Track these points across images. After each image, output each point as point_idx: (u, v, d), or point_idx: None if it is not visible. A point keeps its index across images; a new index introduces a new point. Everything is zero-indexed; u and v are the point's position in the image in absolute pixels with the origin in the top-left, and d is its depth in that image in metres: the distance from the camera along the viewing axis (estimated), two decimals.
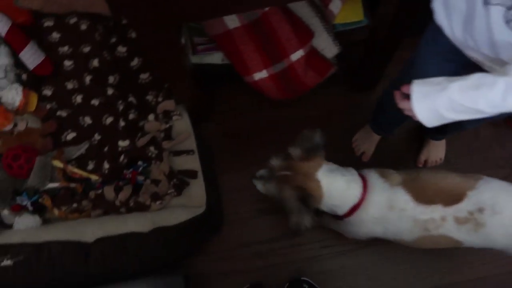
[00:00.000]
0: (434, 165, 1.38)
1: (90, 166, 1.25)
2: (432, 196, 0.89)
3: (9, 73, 1.32)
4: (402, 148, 1.42)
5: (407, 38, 1.14)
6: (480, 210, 0.85)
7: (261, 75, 1.22)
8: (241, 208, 1.38)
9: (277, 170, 0.94)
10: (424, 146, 1.37)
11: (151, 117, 1.26)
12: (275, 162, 0.95)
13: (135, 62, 1.36)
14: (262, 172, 1.01)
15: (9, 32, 1.32)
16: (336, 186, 0.91)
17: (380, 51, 1.22)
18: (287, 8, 1.22)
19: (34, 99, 1.31)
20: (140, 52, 1.36)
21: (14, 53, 1.33)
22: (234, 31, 1.19)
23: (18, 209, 1.15)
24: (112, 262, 1.08)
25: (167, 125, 1.25)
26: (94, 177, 1.22)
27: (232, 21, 1.18)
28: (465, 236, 0.89)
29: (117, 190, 1.17)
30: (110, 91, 1.31)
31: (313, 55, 1.24)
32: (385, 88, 1.09)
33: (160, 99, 1.28)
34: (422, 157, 1.39)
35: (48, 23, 1.42)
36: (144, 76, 1.34)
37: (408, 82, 0.74)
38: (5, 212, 1.13)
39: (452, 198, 0.87)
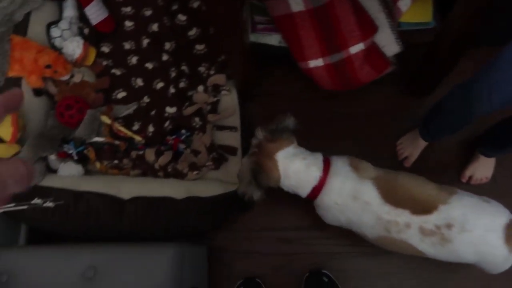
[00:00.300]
0: (479, 183, 1.33)
1: (136, 126, 1.28)
2: (402, 200, 0.88)
3: (73, 25, 1.36)
4: (448, 159, 1.37)
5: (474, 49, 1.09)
6: (449, 226, 0.84)
7: (316, 63, 1.21)
8: (274, 191, 1.38)
9: (251, 148, 1.00)
10: (472, 161, 1.32)
11: (200, 88, 1.27)
12: (253, 142, 1.00)
13: (193, 32, 1.37)
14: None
15: None
16: (293, 168, 0.94)
17: (444, 58, 1.17)
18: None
19: (92, 54, 1.35)
20: (199, 23, 1.37)
21: (80, 7, 1.37)
22: (297, 15, 1.18)
23: (64, 156, 1.20)
24: (143, 221, 1.11)
25: (215, 99, 1.26)
26: (137, 138, 1.25)
27: (296, 4, 1.17)
28: (429, 248, 0.87)
29: (158, 154, 1.19)
30: (165, 57, 1.33)
31: (373, 51, 1.21)
32: (450, 90, 1.03)
33: (212, 72, 1.29)
34: (467, 172, 1.33)
35: None
36: (199, 47, 1.35)
37: (488, 86, 0.70)
38: (52, 157, 1.18)
39: (422, 208, 0.86)
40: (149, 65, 1.34)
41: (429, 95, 1.37)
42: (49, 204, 1.02)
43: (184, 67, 1.32)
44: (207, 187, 1.19)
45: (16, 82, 1.22)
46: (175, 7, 1.42)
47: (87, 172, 1.23)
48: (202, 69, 1.33)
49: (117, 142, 1.24)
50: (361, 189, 0.91)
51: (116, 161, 1.23)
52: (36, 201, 1.01)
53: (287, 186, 0.98)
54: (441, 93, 1.22)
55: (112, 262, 0.97)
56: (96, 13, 1.37)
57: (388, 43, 1.22)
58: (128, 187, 1.15)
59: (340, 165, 0.96)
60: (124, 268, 0.97)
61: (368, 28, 1.19)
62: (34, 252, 1.02)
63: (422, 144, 1.28)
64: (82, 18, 1.39)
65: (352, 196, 0.92)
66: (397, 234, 0.89)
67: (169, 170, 1.20)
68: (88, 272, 0.95)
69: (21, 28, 1.27)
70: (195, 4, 1.40)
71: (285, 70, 1.40)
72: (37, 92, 1.26)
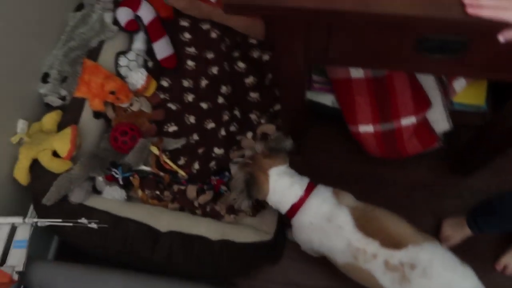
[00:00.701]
0: None
1: (181, 161, 1.32)
2: (375, 231, 0.90)
3: (139, 57, 1.45)
4: (487, 244, 1.34)
5: None
6: (412, 266, 0.84)
7: (366, 128, 1.24)
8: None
9: (245, 158, 1.07)
10: (510, 250, 1.29)
11: (249, 134, 1.31)
12: (247, 153, 1.08)
13: (249, 79, 1.43)
14: (239, 159, 1.15)
15: (151, 22, 1.46)
16: (280, 184, 1.01)
17: (492, 145, 1.18)
18: (414, 74, 1.23)
19: (153, 86, 1.42)
20: (256, 72, 1.44)
21: (149, 41, 1.46)
22: (355, 81, 1.23)
23: (111, 180, 1.24)
24: (176, 256, 1.12)
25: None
26: (182, 173, 1.29)
27: (357, 72, 1.22)
28: (388, 283, 0.87)
29: (199, 192, 1.22)
30: (220, 100, 1.39)
31: (423, 125, 1.24)
32: (501, 193, 1.03)
33: (262, 121, 1.33)
34: (503, 261, 1.30)
35: (184, 23, 1.55)
36: (253, 95, 1.41)
37: None
38: (100, 178, 1.22)
39: (393, 242, 0.87)
40: (204, 105, 1.40)
41: (472, 174, 1.37)
42: (93, 225, 1.05)
43: (236, 112, 1.38)
44: (241, 232, 1.19)
45: (80, 102, 1.29)
46: (236, 54, 1.49)
47: (128, 198, 1.27)
48: (253, 116, 1.38)
49: (162, 174, 1.27)
50: (337, 213, 0.95)
51: (157, 192, 1.26)
52: (83, 220, 1.04)
53: (272, 201, 1.05)
54: (486, 174, 1.22)
55: None
56: (162, 49, 1.46)
57: (439, 119, 1.25)
58: (166, 220, 1.18)
59: (322, 190, 1.02)
60: None
61: (422, 103, 1.22)
62: (68, 269, 1.04)
63: (467, 232, 1.26)
64: (149, 51, 1.48)
65: (327, 218, 0.96)
66: (363, 263, 0.90)
67: (207, 209, 1.22)
68: None
69: (94, 53, 1.36)
70: (255, 54, 1.47)
71: (334, 129, 1.45)
72: (97, 114, 1.32)
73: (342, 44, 0.81)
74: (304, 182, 1.03)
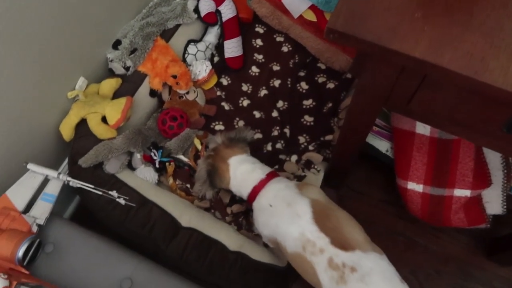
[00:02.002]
0: None
1: None
2: (329, 228, 0.90)
3: (208, 50, 1.45)
4: None
5: None
6: (353, 269, 0.84)
7: (415, 187, 1.19)
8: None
9: (208, 150, 1.12)
10: None
11: (293, 158, 1.28)
12: (210, 145, 1.13)
13: (308, 102, 1.41)
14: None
15: (229, 20, 1.46)
16: (241, 169, 1.05)
17: None
18: (481, 148, 1.18)
19: (213, 81, 1.42)
20: (316, 97, 1.41)
21: (221, 38, 1.46)
22: (418, 136, 1.18)
23: (147, 160, 1.23)
24: (190, 254, 1.10)
25: (303, 174, 1.26)
26: None
27: (423, 127, 1.18)
28: (327, 281, 0.87)
29: (232, 201, 1.19)
30: (274, 113, 1.37)
31: (476, 202, 1.18)
32: None
33: (310, 147, 1.30)
34: None
35: (259, 29, 1.54)
36: (308, 119, 1.38)
37: None
38: (138, 156, 1.22)
39: (342, 243, 0.87)
40: (257, 114, 1.38)
41: (510, 267, 1.30)
42: (121, 201, 1.04)
43: (286, 130, 1.35)
44: (258, 251, 1.16)
45: (141, 76, 1.30)
46: (302, 73, 1.48)
47: (158, 183, 1.25)
48: (302, 139, 1.35)
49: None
50: (298, 201, 0.96)
51: (188, 185, 1.25)
52: (113, 193, 1.03)
53: (234, 187, 1.07)
54: None
55: (149, 283, 0.96)
56: (232, 49, 1.46)
57: (493, 201, 1.19)
58: (189, 215, 1.15)
59: (285, 180, 1.04)
60: None
61: (482, 180, 1.16)
62: (85, 234, 1.03)
63: None
64: (218, 47, 1.48)
65: (287, 202, 0.97)
66: (309, 255, 0.90)
67: (232, 218, 1.19)
68: (125, 283, 0.94)
69: (167, 34, 1.37)
70: (321, 80, 1.45)
71: (379, 176, 1.42)
72: (153, 93, 1.33)
73: (429, 100, 0.77)
74: (266, 168, 1.06)
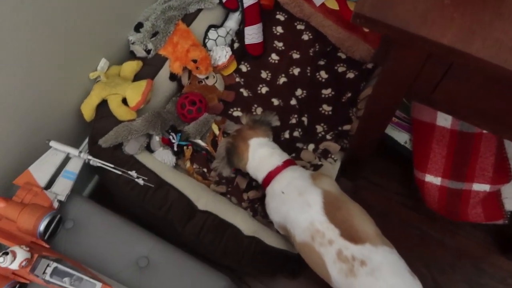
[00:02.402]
0: None
1: None
2: (340, 220, 0.91)
3: (228, 35, 1.45)
4: None
5: None
6: (362, 263, 0.85)
7: (433, 180, 1.18)
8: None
9: (232, 131, 1.16)
10: None
11: (310, 146, 1.28)
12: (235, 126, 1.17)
13: (327, 91, 1.40)
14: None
15: (250, 6, 1.45)
16: (260, 153, 1.07)
17: None
18: (503, 142, 1.16)
19: (233, 67, 1.42)
20: (336, 86, 1.40)
21: (242, 24, 1.46)
22: (439, 128, 1.17)
23: (166, 143, 1.24)
24: (204, 237, 1.11)
25: (319, 163, 1.26)
26: None
27: (444, 120, 1.16)
28: (335, 273, 0.88)
29: (249, 187, 1.20)
30: (292, 102, 1.36)
31: (494, 197, 1.17)
32: None
33: (328, 136, 1.29)
34: None
35: (280, 17, 1.53)
36: (326, 108, 1.37)
37: None
38: (156, 138, 1.23)
39: (352, 236, 0.88)
40: (275, 101, 1.38)
41: None
42: (140, 181, 1.06)
43: (304, 119, 1.35)
44: (272, 236, 1.17)
45: (162, 60, 1.31)
46: (321, 62, 1.46)
47: (175, 167, 1.27)
48: (319, 128, 1.34)
49: (214, 154, 1.26)
50: (310, 190, 0.97)
51: (205, 169, 1.26)
52: (132, 173, 1.05)
53: (251, 169, 1.09)
54: None
55: (165, 263, 0.98)
56: (252, 35, 1.45)
57: None
58: (205, 198, 1.17)
59: (301, 169, 1.06)
60: (173, 274, 0.96)
61: (502, 175, 1.15)
62: (105, 213, 1.05)
63: None
64: (239, 33, 1.48)
65: (299, 191, 0.98)
66: (318, 246, 0.91)
67: (248, 204, 1.20)
68: (142, 262, 0.96)
69: (189, 18, 1.37)
70: (340, 69, 1.44)
71: (396, 167, 1.41)
72: (172, 77, 1.33)
73: (454, 89, 0.76)
74: (284, 156, 1.07)
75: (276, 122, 1.16)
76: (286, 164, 1.05)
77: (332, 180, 1.04)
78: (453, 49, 0.62)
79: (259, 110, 1.37)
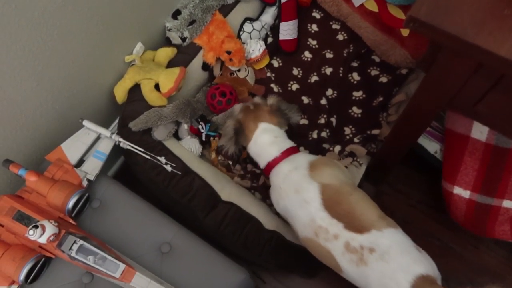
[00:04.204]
0: None
1: None
2: (341, 214, 0.90)
3: (263, 29, 1.44)
4: None
5: None
6: (371, 250, 0.85)
7: (462, 192, 1.16)
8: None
9: (250, 103, 1.14)
10: None
11: (337, 148, 1.27)
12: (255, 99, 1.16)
13: (358, 93, 1.39)
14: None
15: (288, 2, 1.44)
16: (262, 138, 1.06)
17: None
18: None
19: (265, 61, 1.41)
20: (368, 89, 1.39)
21: (278, 19, 1.45)
22: (473, 141, 1.15)
23: (194, 132, 1.25)
24: (226, 227, 1.11)
25: (345, 165, 1.25)
26: None
27: (479, 132, 1.14)
28: (346, 264, 0.88)
29: None
30: (323, 101, 1.35)
31: None
32: None
33: (356, 140, 1.28)
34: None
35: (316, 14, 1.52)
36: (356, 110, 1.36)
37: None
38: (185, 126, 1.23)
39: (356, 226, 0.88)
40: (305, 99, 1.37)
41: None
42: (168, 167, 1.06)
43: (333, 119, 1.34)
44: (292, 233, 1.17)
45: (196, 49, 1.31)
46: (354, 64, 1.45)
47: (200, 156, 1.27)
48: (347, 130, 1.33)
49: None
50: (306, 187, 0.95)
51: (230, 162, 1.26)
52: (161, 158, 1.05)
53: (252, 152, 1.10)
54: None
55: (187, 251, 0.98)
56: (287, 31, 1.44)
57: None
58: (229, 189, 1.17)
59: (299, 158, 1.03)
60: (194, 262, 0.97)
61: None
62: (131, 195, 1.06)
63: None
64: (273, 28, 1.47)
65: (294, 188, 0.97)
66: (324, 241, 0.91)
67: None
68: (165, 247, 0.97)
69: (226, 9, 1.37)
70: (373, 72, 1.42)
71: (423, 177, 1.40)
72: (205, 66, 1.34)
73: (500, 103, 0.74)
74: (284, 145, 1.05)
75: (297, 118, 1.14)
76: (284, 154, 1.04)
77: (333, 169, 1.01)
78: (509, 61, 0.61)
79: None
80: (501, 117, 0.78)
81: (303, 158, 1.03)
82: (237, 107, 1.17)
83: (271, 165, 1.04)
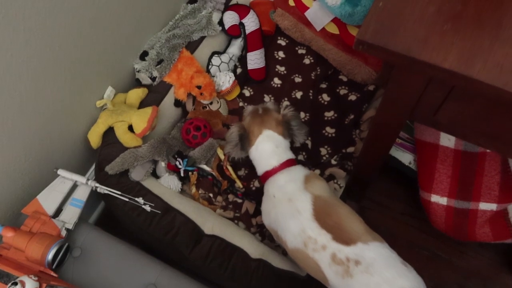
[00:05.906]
0: None
1: (241, 172, 1.31)
2: (330, 225, 0.91)
3: (231, 61, 1.48)
4: None
5: None
6: (357, 262, 0.86)
7: (439, 200, 1.18)
8: None
9: (259, 106, 1.16)
10: None
11: (316, 172, 1.28)
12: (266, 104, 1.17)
13: (330, 113, 1.42)
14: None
15: (253, 32, 1.49)
16: (263, 146, 1.08)
17: None
18: (507, 161, 1.17)
19: (236, 92, 1.44)
20: (338, 109, 1.42)
21: (244, 50, 1.49)
22: (442, 148, 1.18)
23: (171, 169, 1.25)
24: (212, 261, 1.10)
25: None
26: (239, 184, 1.28)
27: (448, 140, 1.18)
28: (332, 276, 0.89)
29: (257, 212, 1.20)
30: None
31: (502, 216, 1.16)
32: None
33: (333, 161, 1.30)
34: None
35: (281, 41, 1.57)
36: (330, 130, 1.39)
37: None
38: (162, 164, 1.24)
39: (344, 238, 0.89)
40: None
41: None
42: (147, 207, 1.06)
43: (308, 142, 1.36)
44: (279, 259, 1.16)
45: (167, 87, 1.33)
46: (323, 85, 1.49)
47: (180, 192, 1.27)
48: (323, 151, 1.35)
49: (220, 179, 1.27)
50: (299, 197, 0.98)
51: (211, 195, 1.26)
52: (139, 200, 1.05)
53: (252, 156, 1.11)
54: None
55: None
56: (255, 61, 1.48)
57: None
58: (211, 222, 1.17)
59: (297, 170, 1.05)
60: None
61: (508, 194, 1.15)
62: (112, 240, 1.05)
63: None
64: (242, 59, 1.51)
65: (288, 197, 0.99)
66: (312, 252, 0.92)
67: (265, 230, 1.20)
68: None
69: (192, 46, 1.40)
70: (342, 92, 1.46)
71: (401, 188, 1.42)
72: (177, 103, 1.36)
73: (456, 111, 0.77)
74: (285, 156, 1.07)
75: (301, 139, 1.15)
76: (283, 165, 1.05)
77: (323, 183, 1.04)
78: (454, 73, 0.64)
79: None
80: (459, 124, 0.81)
81: (300, 171, 1.06)
82: (248, 108, 1.18)
83: (269, 174, 1.06)
